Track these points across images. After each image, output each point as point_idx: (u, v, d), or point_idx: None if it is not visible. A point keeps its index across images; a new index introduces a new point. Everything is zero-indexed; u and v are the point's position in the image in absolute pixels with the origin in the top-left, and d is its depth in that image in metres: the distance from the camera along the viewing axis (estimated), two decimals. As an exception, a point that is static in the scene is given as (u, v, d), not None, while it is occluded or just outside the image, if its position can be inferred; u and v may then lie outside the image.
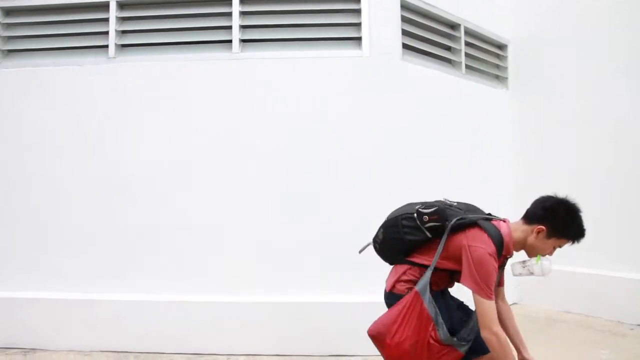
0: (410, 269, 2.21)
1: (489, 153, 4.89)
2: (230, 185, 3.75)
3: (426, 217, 2.17)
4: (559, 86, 4.86)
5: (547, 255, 2.17)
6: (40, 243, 3.80)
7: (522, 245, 2.18)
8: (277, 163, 3.74)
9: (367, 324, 3.60)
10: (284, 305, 3.68)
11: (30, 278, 3.78)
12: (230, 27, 3.78)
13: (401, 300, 2.15)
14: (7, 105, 3.87)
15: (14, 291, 3.76)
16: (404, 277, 2.23)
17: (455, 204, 2.25)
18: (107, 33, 3.84)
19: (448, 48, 4.50)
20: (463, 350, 2.13)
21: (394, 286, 2.25)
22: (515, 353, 2.14)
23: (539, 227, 2.12)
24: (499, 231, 2.12)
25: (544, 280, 4.74)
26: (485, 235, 2.07)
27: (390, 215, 2.33)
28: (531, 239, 2.15)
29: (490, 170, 4.87)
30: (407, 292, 2.17)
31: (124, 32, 3.88)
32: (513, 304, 5.02)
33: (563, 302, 4.75)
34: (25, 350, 3.68)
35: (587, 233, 2.14)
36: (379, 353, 2.37)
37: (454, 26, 4.51)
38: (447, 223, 2.13)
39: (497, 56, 5.14)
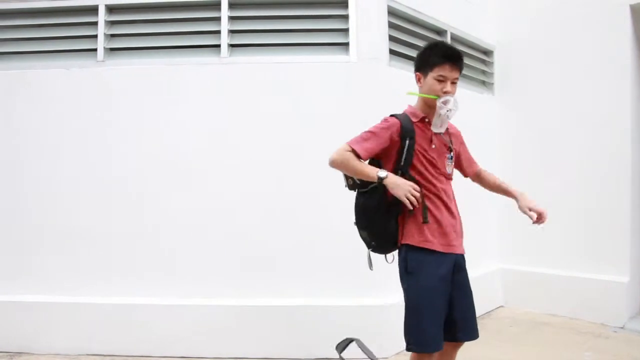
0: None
1: (475, 157, 4.90)
2: (218, 188, 3.76)
3: (347, 187, 2.48)
4: (544, 91, 4.93)
5: (446, 97, 2.27)
6: (26, 245, 3.78)
7: (423, 102, 2.36)
8: (264, 167, 3.76)
9: (352, 328, 3.65)
10: (270, 308, 3.70)
11: (16, 281, 3.76)
12: (219, 32, 3.80)
13: None
14: (-6, 107, 3.86)
15: (-1, 294, 3.75)
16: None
17: None
18: (95, 37, 3.84)
19: (435, 54, 4.54)
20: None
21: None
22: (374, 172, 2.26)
23: (416, 75, 2.36)
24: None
25: (530, 284, 4.81)
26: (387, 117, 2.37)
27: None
28: (420, 91, 2.34)
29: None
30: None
31: (112, 35, 3.89)
32: (499, 307, 5.07)
33: (548, 305, 4.81)
34: (10, 354, 3.66)
35: (458, 53, 2.29)
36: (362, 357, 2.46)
37: (440, 32, 4.56)
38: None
39: (483, 62, 5.21)
